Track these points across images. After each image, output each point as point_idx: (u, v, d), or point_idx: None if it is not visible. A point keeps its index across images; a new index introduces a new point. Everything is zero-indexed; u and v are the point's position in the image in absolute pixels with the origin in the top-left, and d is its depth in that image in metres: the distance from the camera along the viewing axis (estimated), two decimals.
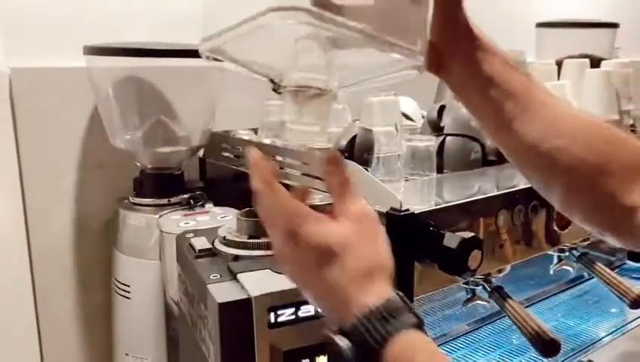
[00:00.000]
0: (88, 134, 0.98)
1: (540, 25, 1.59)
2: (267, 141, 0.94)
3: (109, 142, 0.93)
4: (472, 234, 0.67)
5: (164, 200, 0.91)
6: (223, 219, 0.82)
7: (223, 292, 0.54)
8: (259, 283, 0.55)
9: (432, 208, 0.68)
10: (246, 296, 0.53)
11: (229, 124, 1.05)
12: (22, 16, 0.91)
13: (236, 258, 0.61)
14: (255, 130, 1.06)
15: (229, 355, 0.53)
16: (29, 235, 0.94)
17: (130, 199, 0.93)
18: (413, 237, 0.66)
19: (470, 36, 0.47)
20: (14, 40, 0.90)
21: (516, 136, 0.48)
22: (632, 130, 1.32)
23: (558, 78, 1.26)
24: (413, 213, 0.66)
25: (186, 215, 0.85)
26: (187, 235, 0.68)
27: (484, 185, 0.85)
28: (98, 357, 1.02)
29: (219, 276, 0.57)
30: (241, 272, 0.57)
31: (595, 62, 1.29)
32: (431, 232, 0.67)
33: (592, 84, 1.19)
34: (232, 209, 0.86)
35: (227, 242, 0.64)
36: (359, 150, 0.80)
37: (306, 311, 0.54)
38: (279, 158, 0.86)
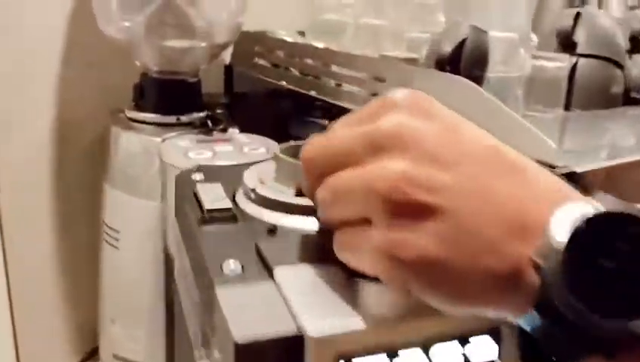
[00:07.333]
0: (75, 23, 0.72)
1: None
2: (320, 45, 0.67)
3: (103, 34, 0.66)
4: None
5: (172, 118, 0.65)
6: (253, 153, 0.56)
7: (246, 314, 0.25)
8: (320, 295, 0.27)
9: (604, 165, 0.41)
10: (294, 332, 0.25)
11: (267, 22, 0.77)
12: None
13: (273, 230, 0.33)
14: (301, 33, 0.79)
15: None
16: None
17: (127, 113, 0.67)
18: None
19: None
20: None
21: None
22: None
23: None
24: (575, 171, 0.39)
25: (199, 141, 0.59)
26: (193, 176, 0.41)
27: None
28: (81, 321, 0.79)
29: (239, 269, 0.29)
30: (282, 264, 0.29)
31: None
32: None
33: None
34: (267, 139, 0.60)
35: (258, 199, 0.36)
36: (469, 62, 0.52)
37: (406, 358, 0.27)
38: (334, 69, 0.59)
